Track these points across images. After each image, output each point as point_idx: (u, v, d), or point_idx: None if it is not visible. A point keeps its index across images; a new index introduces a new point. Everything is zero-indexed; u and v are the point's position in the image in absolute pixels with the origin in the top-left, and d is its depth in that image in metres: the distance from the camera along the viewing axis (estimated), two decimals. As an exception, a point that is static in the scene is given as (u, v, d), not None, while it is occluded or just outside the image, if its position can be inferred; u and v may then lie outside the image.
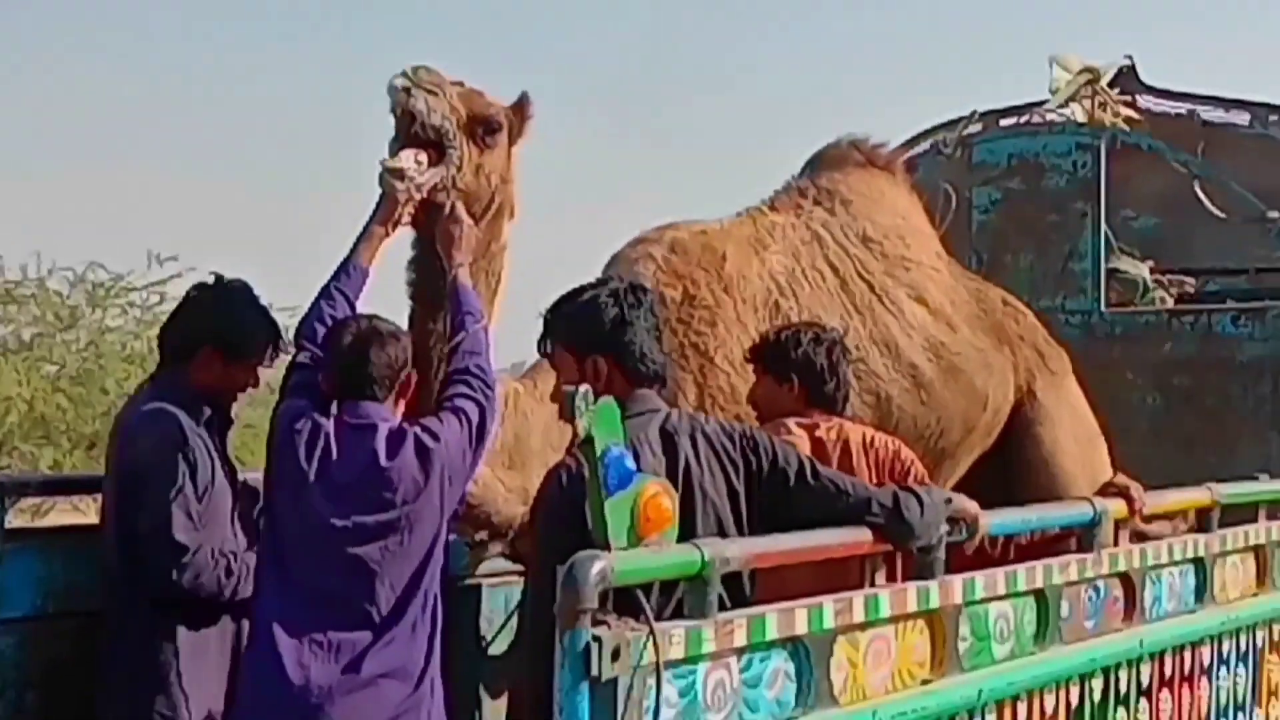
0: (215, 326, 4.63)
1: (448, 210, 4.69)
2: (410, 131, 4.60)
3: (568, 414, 3.38)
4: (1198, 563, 5.18)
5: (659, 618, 3.23)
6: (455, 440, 4.29)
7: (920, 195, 6.44)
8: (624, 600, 3.19)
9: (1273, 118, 7.78)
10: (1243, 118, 7.77)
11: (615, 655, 3.05)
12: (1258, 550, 5.58)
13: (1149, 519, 5.23)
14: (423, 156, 4.62)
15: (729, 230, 5.72)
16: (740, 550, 3.54)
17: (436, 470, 4.23)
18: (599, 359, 4.01)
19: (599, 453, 3.26)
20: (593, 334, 4.05)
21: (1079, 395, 6.35)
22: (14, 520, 4.99)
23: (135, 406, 4.64)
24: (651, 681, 3.10)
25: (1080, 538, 4.72)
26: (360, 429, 4.27)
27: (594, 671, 3.03)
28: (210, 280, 4.86)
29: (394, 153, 4.62)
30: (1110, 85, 7.66)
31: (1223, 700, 5.24)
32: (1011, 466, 6.00)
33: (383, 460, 4.23)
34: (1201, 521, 5.40)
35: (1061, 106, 7.57)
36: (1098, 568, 4.63)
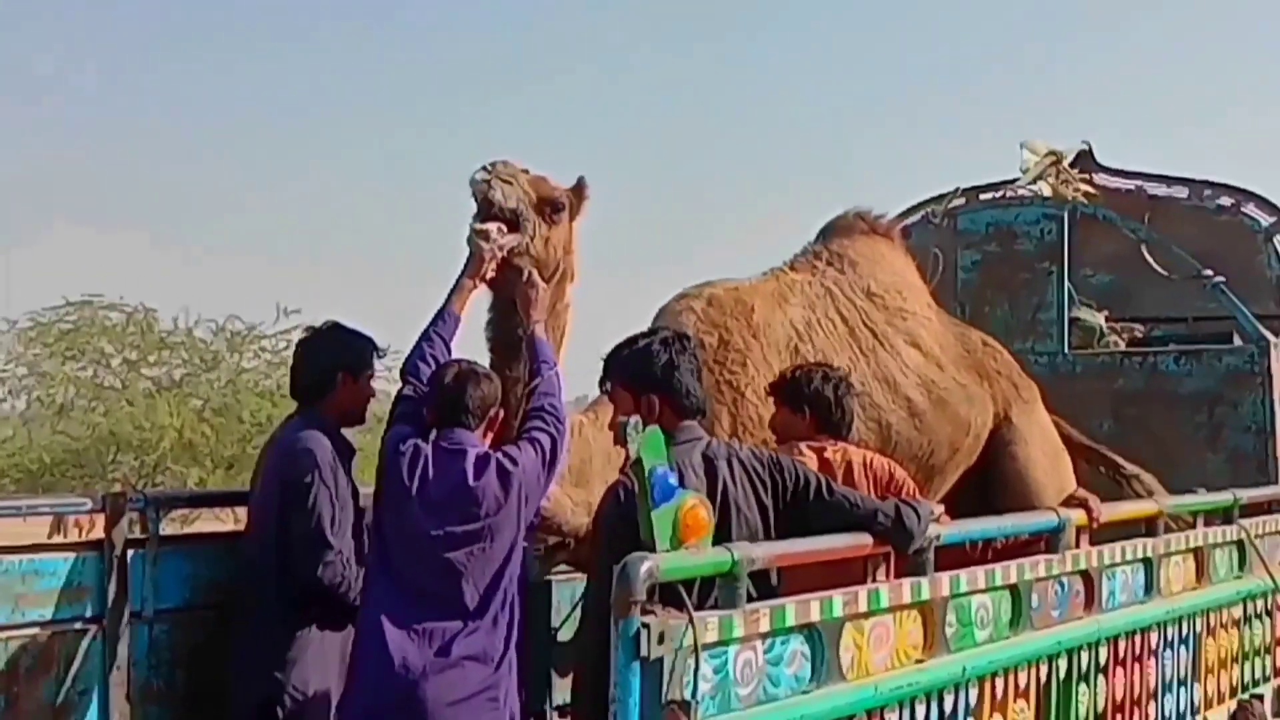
0: (339, 355, 4.72)
1: (525, 276, 4.68)
2: (490, 213, 4.63)
3: (622, 440, 3.42)
4: (1146, 562, 5.12)
5: (697, 609, 3.23)
6: (531, 465, 4.29)
7: (914, 257, 6.42)
8: (669, 595, 3.19)
9: (1206, 192, 7.76)
10: (1182, 192, 7.75)
11: (661, 639, 3.06)
12: (1197, 551, 5.51)
13: (1105, 526, 5.22)
14: (503, 227, 4.64)
15: (756, 287, 5.72)
16: (764, 552, 3.53)
17: (515, 489, 4.23)
18: (653, 396, 4.02)
19: (647, 472, 3.27)
20: (647, 375, 4.07)
21: (1047, 420, 6.32)
22: (166, 529, 5.02)
23: (288, 434, 4.67)
24: (691, 661, 3.08)
25: (1047, 541, 4.68)
26: (453, 453, 4.28)
27: (644, 652, 3.04)
28: (311, 328, 5.03)
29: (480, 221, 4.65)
30: (1071, 165, 7.63)
31: (1167, 677, 5.19)
32: (991, 480, 5.98)
33: (470, 480, 4.23)
34: (1150, 528, 5.37)
35: (1031, 184, 7.54)
36: (1062, 566, 4.59)
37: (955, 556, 4.31)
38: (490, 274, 4.70)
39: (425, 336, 4.63)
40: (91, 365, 20.96)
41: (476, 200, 4.68)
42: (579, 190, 4.91)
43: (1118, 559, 4.95)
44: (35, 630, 4.52)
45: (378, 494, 4.42)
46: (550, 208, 4.78)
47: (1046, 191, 7.48)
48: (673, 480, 3.32)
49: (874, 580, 3.89)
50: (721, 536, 3.54)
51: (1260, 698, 5.89)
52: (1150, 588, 5.13)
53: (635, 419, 3.58)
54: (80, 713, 4.59)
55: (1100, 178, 7.63)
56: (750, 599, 3.40)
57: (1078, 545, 4.80)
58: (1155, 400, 6.98)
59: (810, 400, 4.80)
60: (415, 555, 4.24)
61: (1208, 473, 6.53)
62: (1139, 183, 7.70)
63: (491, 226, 4.61)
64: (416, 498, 4.26)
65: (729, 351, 5.38)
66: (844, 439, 4.81)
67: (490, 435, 4.47)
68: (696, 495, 3.45)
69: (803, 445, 4.67)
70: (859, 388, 5.35)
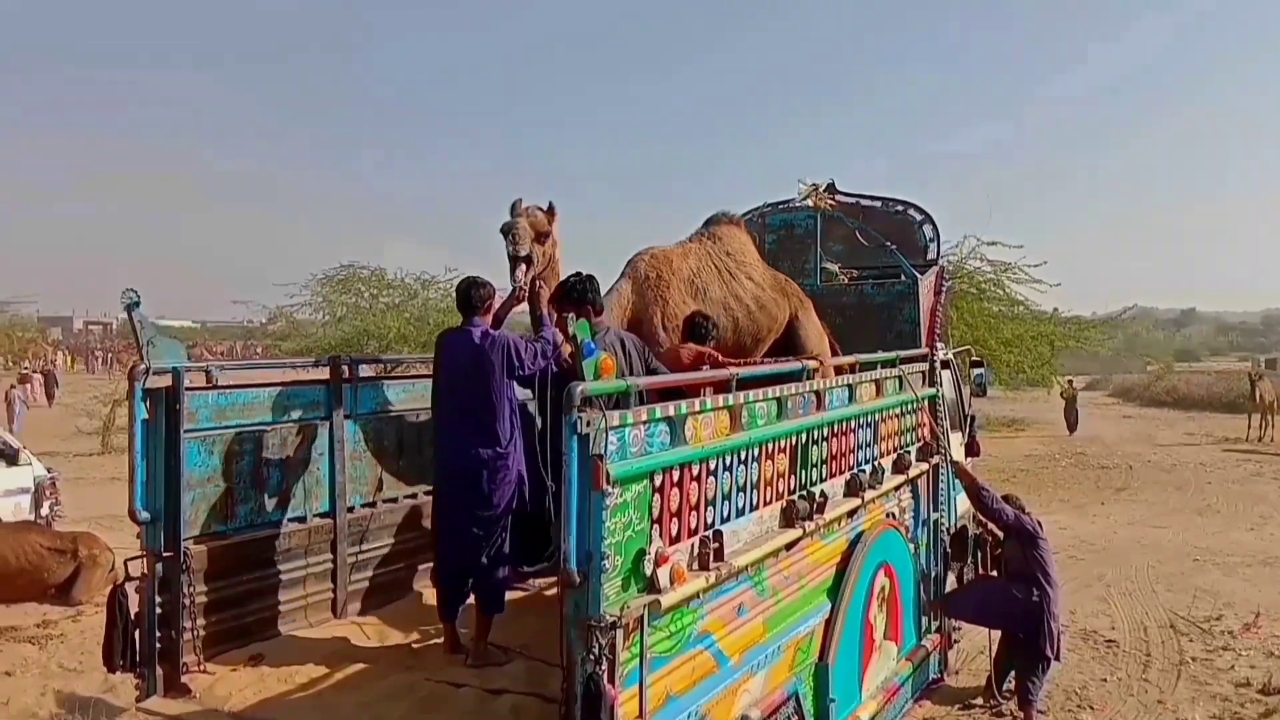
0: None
1: (537, 289, 4.53)
2: (514, 251, 4.42)
3: (564, 327, 3.34)
4: (849, 387, 5.01)
5: (610, 409, 3.15)
6: (517, 343, 4.16)
7: (752, 237, 6.26)
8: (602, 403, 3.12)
9: (891, 203, 7.57)
10: (878, 204, 7.54)
11: (588, 424, 2.96)
12: (877, 382, 5.39)
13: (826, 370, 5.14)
14: (524, 267, 4.39)
15: (674, 250, 5.60)
16: (644, 382, 3.46)
17: (499, 350, 4.11)
18: (586, 306, 4.01)
19: (581, 342, 3.19)
20: (582, 297, 4.10)
21: (816, 318, 6.24)
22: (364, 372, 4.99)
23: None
24: (604, 435, 3.00)
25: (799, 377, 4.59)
26: (467, 330, 4.23)
27: (580, 430, 2.95)
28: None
29: (512, 271, 4.42)
30: (825, 190, 7.44)
31: (860, 442, 5.09)
32: (788, 346, 5.91)
33: (476, 342, 4.17)
34: (852, 370, 5.29)
35: (803, 200, 7.35)
36: (804, 389, 4.46)
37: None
38: (524, 298, 4.51)
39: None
40: (354, 295, 20.87)
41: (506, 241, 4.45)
42: (550, 212, 4.71)
43: (833, 385, 4.86)
44: (295, 424, 4.48)
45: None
46: (542, 236, 4.61)
47: (811, 204, 7.28)
48: (593, 345, 3.24)
49: (704, 396, 3.79)
50: (622, 374, 3.47)
51: (909, 452, 5.85)
52: (851, 399, 5.03)
53: (579, 318, 3.51)
54: (318, 462, 4.56)
55: (839, 197, 7.42)
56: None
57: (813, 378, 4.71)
58: (862, 309, 6.84)
59: (691, 329, 5.01)
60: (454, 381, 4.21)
61: (887, 345, 6.44)
62: (857, 199, 7.49)
63: (521, 278, 4.37)
64: (447, 353, 4.19)
65: (660, 279, 5.28)
66: (704, 345, 4.91)
67: (489, 318, 4.33)
68: (607, 353, 3.37)
69: (687, 346, 4.82)
70: (724, 301, 5.44)
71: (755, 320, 5.73)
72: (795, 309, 6.11)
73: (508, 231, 4.38)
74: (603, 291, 4.68)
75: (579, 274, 4.44)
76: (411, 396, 5.12)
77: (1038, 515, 6.27)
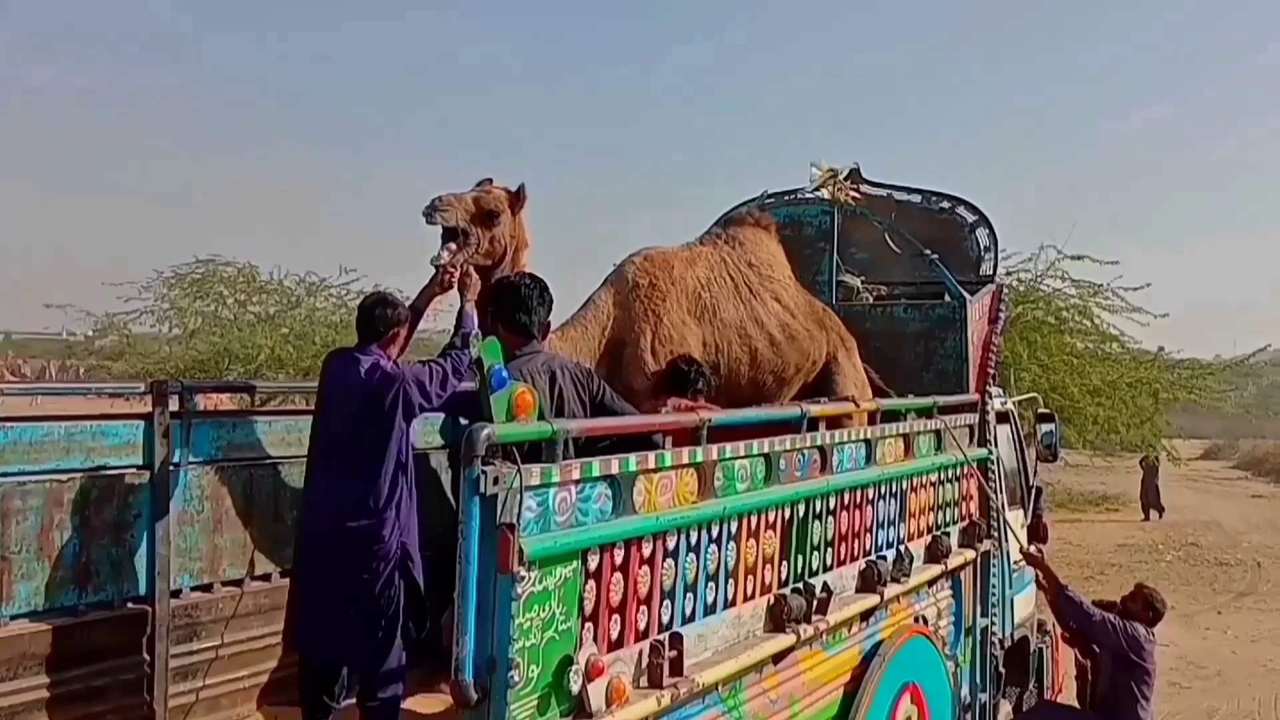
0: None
1: (465, 278, 4.62)
2: (443, 232, 4.55)
3: (463, 346, 3.33)
4: (867, 442, 5.07)
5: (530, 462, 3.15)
6: (411, 375, 4.23)
7: (784, 245, 6.29)
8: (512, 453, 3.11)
9: (933, 198, 7.72)
10: (916, 198, 7.69)
11: (495, 481, 2.94)
12: (906, 436, 5.46)
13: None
14: (453, 246, 4.54)
15: (677, 252, 5.70)
16: (576, 425, 3.45)
17: (394, 389, 4.20)
18: (499, 324, 4.25)
19: (487, 369, 3.19)
20: (499, 310, 4.32)
21: (859, 363, 6.36)
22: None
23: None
24: (518, 496, 2.98)
25: (798, 427, 4.60)
26: (353, 359, 4.34)
27: (482, 490, 2.92)
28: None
29: (439, 249, 4.57)
30: (845, 179, 7.56)
31: (881, 519, 5.13)
32: (821, 390, 6.01)
33: (361, 377, 4.27)
34: (872, 419, 5.33)
35: (816, 190, 7.46)
36: (803, 443, 4.49)
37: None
38: (451, 285, 4.60)
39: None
40: (213, 302, 20.81)
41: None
42: (518, 193, 4.80)
43: (846, 439, 4.89)
44: (101, 474, 4.40)
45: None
46: (488, 215, 4.67)
47: (826, 195, 7.39)
48: (505, 374, 3.23)
49: (664, 445, 3.78)
50: (556, 415, 3.49)
51: (948, 534, 5.89)
52: (870, 459, 5.07)
53: (476, 332, 3.50)
54: (132, 527, 4.48)
55: (864, 188, 7.53)
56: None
57: (816, 429, 4.73)
58: (891, 337, 6.95)
59: (672, 379, 5.15)
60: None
61: (922, 386, 6.51)
62: (889, 191, 7.61)
63: (445, 254, 4.51)
64: (331, 390, 4.28)
65: (654, 290, 5.37)
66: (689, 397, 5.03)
67: (395, 348, 4.39)
68: (525, 384, 3.36)
69: (668, 400, 4.93)
70: (739, 326, 5.59)
71: (781, 354, 5.83)
72: (834, 348, 6.22)
73: (428, 212, 4.46)
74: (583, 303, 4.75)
75: (519, 274, 4.48)
76: (273, 438, 5.03)
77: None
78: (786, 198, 7.46)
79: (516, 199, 4.77)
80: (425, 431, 5.19)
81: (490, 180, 4.77)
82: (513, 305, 4.26)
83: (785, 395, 5.84)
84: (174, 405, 4.64)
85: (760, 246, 5.99)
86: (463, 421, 4.42)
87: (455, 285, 4.58)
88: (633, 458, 3.47)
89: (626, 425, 3.88)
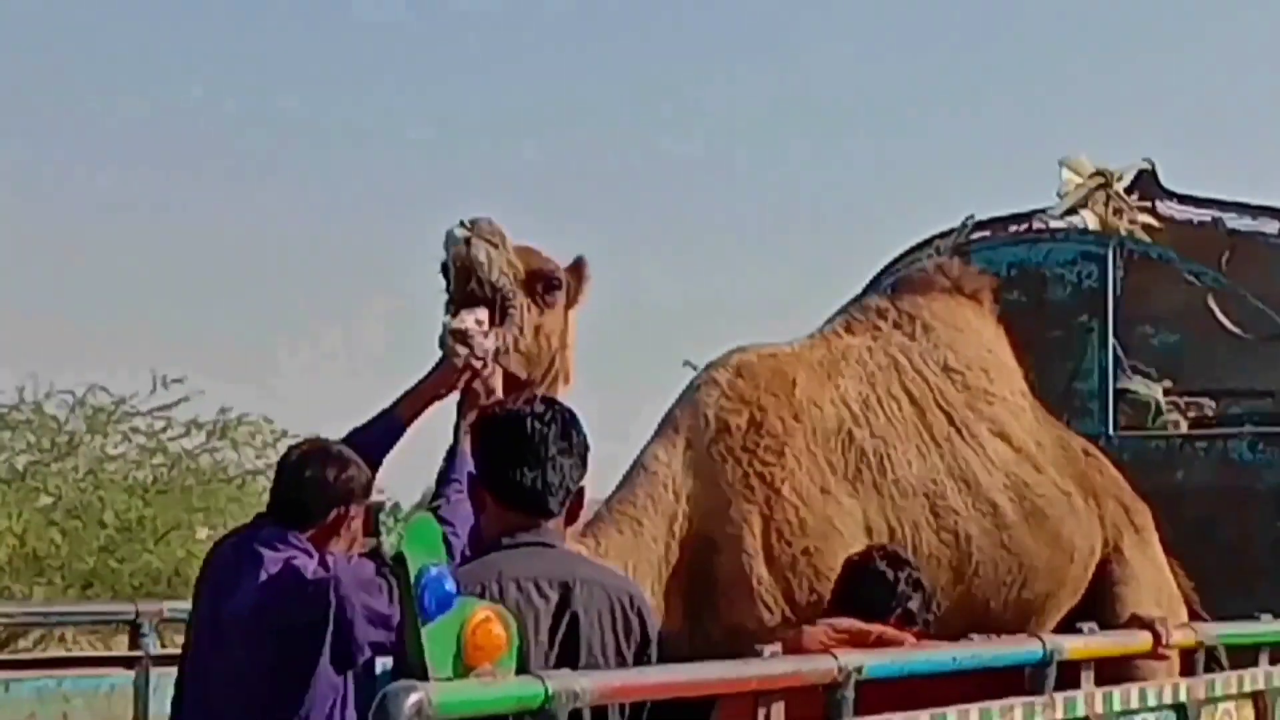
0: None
1: (488, 371, 4.75)
2: (468, 288, 4.68)
3: (372, 530, 3.39)
4: (1179, 709, 5.07)
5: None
6: (356, 582, 4.34)
7: (1010, 330, 6.45)
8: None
9: (1310, 223, 7.74)
10: (1272, 226, 7.71)
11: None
12: (1256, 696, 5.45)
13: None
14: (483, 314, 4.67)
15: (800, 353, 5.82)
16: (591, 683, 3.46)
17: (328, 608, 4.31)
18: (483, 490, 4.04)
19: (414, 574, 3.23)
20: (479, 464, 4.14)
21: (1162, 556, 6.39)
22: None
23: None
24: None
25: (1029, 679, 4.62)
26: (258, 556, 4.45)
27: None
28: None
29: (453, 312, 4.69)
30: (1128, 190, 7.63)
31: None
32: (1087, 611, 5.93)
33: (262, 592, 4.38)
34: (1187, 664, 5.32)
35: (1069, 212, 7.53)
36: (1050, 713, 4.52)
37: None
38: (462, 384, 4.74)
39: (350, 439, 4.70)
40: None
41: (451, 265, 4.73)
42: (578, 270, 5.06)
43: (1134, 704, 4.89)
44: None
45: None
46: (544, 285, 4.88)
47: (1091, 223, 7.46)
48: (450, 585, 3.28)
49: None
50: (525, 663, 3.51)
51: None
52: (1183, 743, 5.06)
53: (390, 503, 3.56)
54: None
55: (1166, 206, 7.62)
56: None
57: (1079, 685, 4.75)
58: (1225, 498, 6.96)
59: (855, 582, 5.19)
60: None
61: (1286, 595, 6.47)
62: (1216, 213, 7.66)
63: (470, 321, 4.65)
64: (207, 612, 4.40)
65: (762, 436, 5.45)
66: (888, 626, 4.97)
67: (341, 540, 4.47)
68: (490, 606, 3.41)
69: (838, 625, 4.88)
70: (931, 490, 5.65)
71: (1017, 546, 5.84)
72: (1118, 534, 6.28)
73: (465, 235, 4.50)
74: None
75: (527, 398, 4.47)
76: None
77: None
78: (1012, 229, 7.59)
79: (574, 281, 5.02)
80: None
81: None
82: (510, 453, 4.24)
83: (1040, 626, 5.79)
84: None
85: (965, 335, 6.17)
86: (380, 668, 4.44)
87: (464, 387, 4.74)
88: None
89: (690, 679, 3.91)
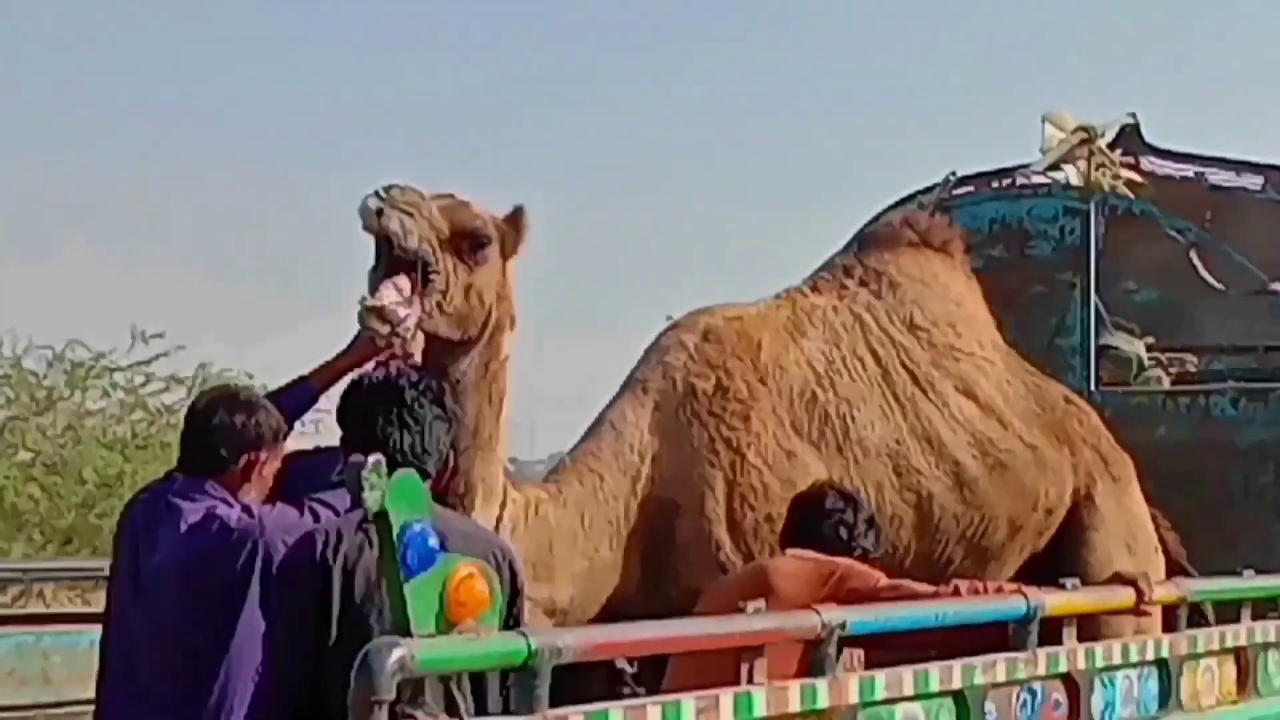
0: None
1: (409, 343, 4.71)
2: (390, 256, 4.63)
3: (353, 488, 3.34)
4: (1161, 664, 5.07)
5: (478, 713, 3.18)
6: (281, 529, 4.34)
7: (981, 281, 6.46)
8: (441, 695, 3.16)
9: (1290, 176, 7.71)
10: (1255, 181, 7.70)
11: (419, 730, 3.01)
12: (1239, 653, 5.46)
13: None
14: (405, 283, 4.62)
15: (766, 315, 5.85)
16: (574, 639, 3.47)
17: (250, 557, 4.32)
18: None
19: (396, 530, 3.22)
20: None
21: (1142, 505, 6.40)
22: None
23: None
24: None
25: (1012, 634, 4.60)
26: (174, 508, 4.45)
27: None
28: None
29: (374, 286, 4.63)
30: (1111, 146, 7.61)
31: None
32: (1061, 572, 5.94)
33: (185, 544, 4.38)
34: (1168, 620, 5.32)
35: (1052, 168, 7.52)
36: (1032, 668, 4.52)
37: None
38: (389, 354, 4.69)
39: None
40: None
41: (372, 234, 4.68)
42: (515, 220, 4.99)
43: (1116, 660, 4.90)
44: None
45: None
46: (470, 243, 4.79)
47: (1074, 179, 7.44)
48: (433, 541, 3.28)
49: (750, 677, 3.81)
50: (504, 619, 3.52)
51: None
52: (1167, 698, 5.08)
53: (376, 458, 3.51)
54: None
55: (1149, 162, 7.60)
56: (559, 701, 3.36)
57: (1060, 640, 4.74)
58: (1207, 453, 6.98)
59: (799, 518, 5.13)
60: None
61: (1275, 549, 6.48)
62: (1199, 168, 7.64)
63: (389, 296, 4.61)
64: (127, 570, 4.36)
65: (729, 401, 5.49)
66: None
67: (253, 486, 4.47)
68: (473, 562, 3.41)
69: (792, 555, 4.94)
70: (893, 450, 5.71)
71: (979, 500, 5.91)
72: (1090, 481, 6.30)
73: (379, 205, 4.44)
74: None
75: (404, 368, 4.44)
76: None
77: None
78: (993, 185, 7.61)
79: (512, 232, 4.95)
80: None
81: (453, 197, 4.90)
82: (387, 418, 4.24)
83: (994, 578, 5.81)
84: None
85: (932, 289, 6.17)
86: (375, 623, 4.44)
87: (391, 358, 4.67)
88: (688, 702, 3.50)
89: (673, 635, 3.92)
